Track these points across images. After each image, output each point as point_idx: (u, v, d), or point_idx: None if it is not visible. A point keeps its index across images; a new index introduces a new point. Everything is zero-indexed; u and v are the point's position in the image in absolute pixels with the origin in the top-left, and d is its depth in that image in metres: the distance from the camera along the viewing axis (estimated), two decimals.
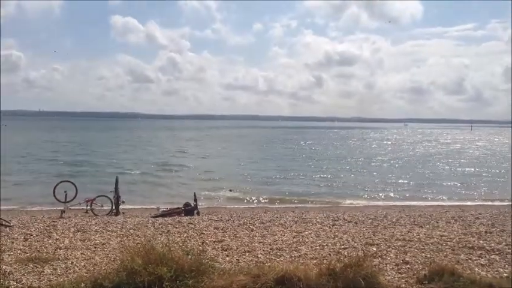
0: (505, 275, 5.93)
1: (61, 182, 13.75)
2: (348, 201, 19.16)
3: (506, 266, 6.46)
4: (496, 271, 6.16)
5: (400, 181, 25.94)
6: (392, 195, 21.21)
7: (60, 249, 7.67)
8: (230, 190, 21.98)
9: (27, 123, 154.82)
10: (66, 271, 6.18)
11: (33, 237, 8.76)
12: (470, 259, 6.86)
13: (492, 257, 7.00)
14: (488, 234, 8.90)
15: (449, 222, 10.52)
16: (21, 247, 7.78)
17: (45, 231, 9.33)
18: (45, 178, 24.18)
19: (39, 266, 6.38)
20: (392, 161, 38.26)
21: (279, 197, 19.97)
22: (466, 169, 32.29)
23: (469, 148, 59.81)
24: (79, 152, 41.47)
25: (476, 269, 6.26)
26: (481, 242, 8.10)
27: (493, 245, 7.82)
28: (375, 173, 29.37)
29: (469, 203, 18.23)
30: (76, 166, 30.49)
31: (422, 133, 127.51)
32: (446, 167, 34.17)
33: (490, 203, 18.18)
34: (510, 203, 16.60)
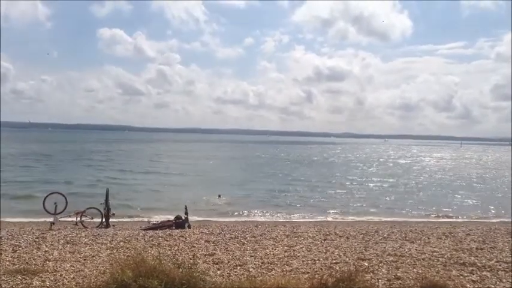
0: None
1: (51, 193, 13.58)
2: (338, 216, 19.14)
3: (497, 282, 6.48)
4: (487, 287, 6.17)
5: (387, 198, 25.89)
6: (382, 211, 21.18)
7: (49, 261, 7.57)
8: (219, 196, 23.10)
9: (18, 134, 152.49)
10: (55, 283, 6.10)
11: (22, 248, 8.64)
12: (461, 275, 6.87)
13: (483, 273, 7.02)
14: (479, 250, 8.93)
15: (441, 238, 10.55)
16: (10, 258, 7.67)
17: (34, 243, 9.21)
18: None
19: (28, 278, 6.29)
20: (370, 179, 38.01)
21: (269, 211, 19.90)
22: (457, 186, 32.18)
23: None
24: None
25: (468, 285, 6.27)
26: (472, 258, 8.13)
27: (484, 261, 7.85)
28: (359, 191, 29.07)
29: (459, 220, 18.28)
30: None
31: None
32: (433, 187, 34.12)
33: (480, 220, 18.25)
34: (499, 220, 16.67)
